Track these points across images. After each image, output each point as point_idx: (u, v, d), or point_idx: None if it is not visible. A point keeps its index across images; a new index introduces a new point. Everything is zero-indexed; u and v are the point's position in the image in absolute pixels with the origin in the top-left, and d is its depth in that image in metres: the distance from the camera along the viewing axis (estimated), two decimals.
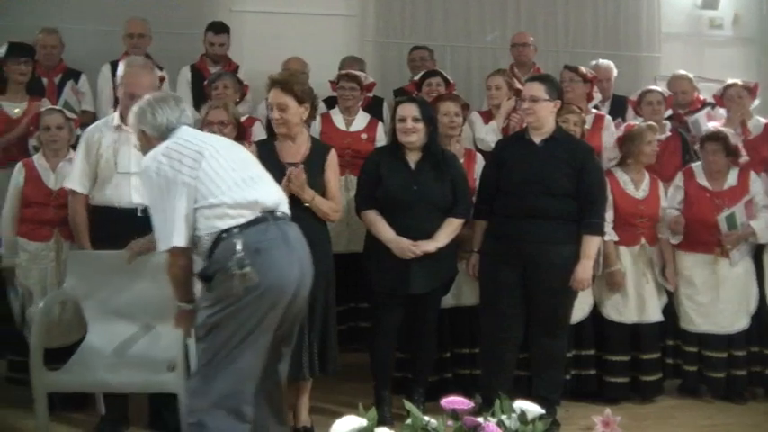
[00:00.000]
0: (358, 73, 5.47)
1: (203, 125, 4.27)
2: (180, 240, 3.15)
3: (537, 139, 4.25)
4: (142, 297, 4.01)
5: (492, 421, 2.31)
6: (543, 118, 4.21)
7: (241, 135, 4.43)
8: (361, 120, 5.36)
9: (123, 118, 4.10)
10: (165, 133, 3.31)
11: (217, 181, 3.17)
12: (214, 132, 4.12)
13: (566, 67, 5.35)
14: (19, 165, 4.58)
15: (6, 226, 4.54)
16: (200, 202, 3.15)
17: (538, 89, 4.20)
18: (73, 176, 4.18)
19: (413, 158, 4.31)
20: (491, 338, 4.28)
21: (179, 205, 3.13)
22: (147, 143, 3.35)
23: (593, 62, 6.10)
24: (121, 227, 4.06)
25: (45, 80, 5.69)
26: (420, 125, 4.25)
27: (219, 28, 6.05)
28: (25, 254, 4.48)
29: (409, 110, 4.27)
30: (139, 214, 4.03)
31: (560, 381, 4.38)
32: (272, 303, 3.15)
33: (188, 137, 3.28)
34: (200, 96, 5.49)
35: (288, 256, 3.21)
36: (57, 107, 4.83)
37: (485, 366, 4.38)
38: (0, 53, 5.04)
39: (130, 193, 4.09)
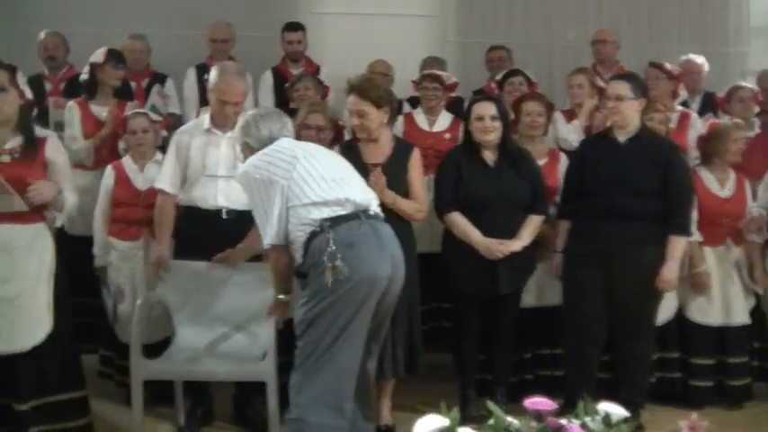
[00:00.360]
0: (441, 73, 5.46)
1: (300, 128, 4.32)
2: (274, 239, 3.35)
3: (621, 138, 4.19)
4: (232, 305, 4.10)
5: (575, 423, 2.29)
6: (628, 117, 4.15)
7: (339, 137, 4.49)
8: (443, 119, 5.35)
9: (214, 121, 4.20)
10: (267, 144, 3.52)
11: (309, 182, 3.32)
12: (311, 136, 4.24)
13: (650, 64, 5.25)
14: (109, 167, 4.72)
15: (98, 226, 4.68)
16: (293, 201, 3.30)
17: (623, 87, 4.14)
18: (163, 177, 4.25)
19: (490, 157, 4.31)
20: (574, 339, 4.24)
21: (274, 206, 3.32)
22: (250, 154, 3.55)
23: (684, 57, 5.95)
24: (206, 228, 4.14)
25: (133, 84, 5.86)
26: (497, 123, 4.25)
27: (294, 26, 6.15)
28: (116, 253, 4.62)
29: (487, 108, 4.26)
30: (224, 216, 4.13)
31: (645, 383, 4.31)
32: (364, 297, 3.25)
33: (287, 144, 3.50)
34: (282, 99, 5.58)
35: (379, 251, 3.30)
36: (143, 111, 4.97)
37: (568, 367, 4.34)
38: (95, 59, 5.18)
39: (216, 196, 4.16)
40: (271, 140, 3.53)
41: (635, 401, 4.12)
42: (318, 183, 3.33)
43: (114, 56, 5.23)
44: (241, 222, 4.06)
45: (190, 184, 4.21)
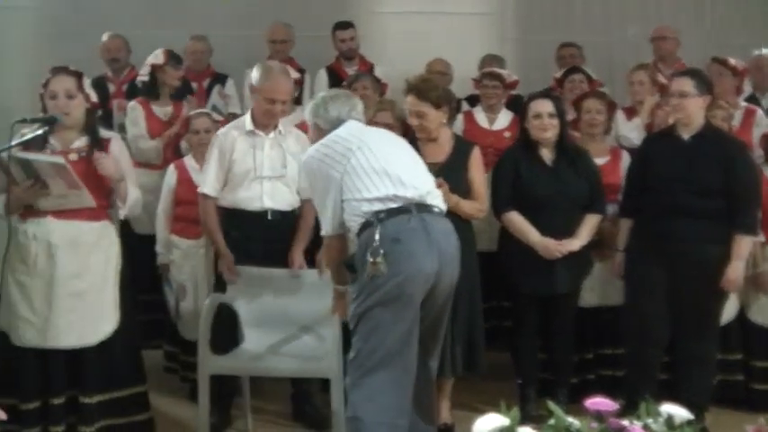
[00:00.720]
0: (501, 71, 5.44)
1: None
2: (328, 229, 3.41)
3: (685, 136, 4.12)
4: (299, 308, 4.09)
5: (637, 425, 2.27)
6: (692, 114, 4.08)
7: (407, 135, 4.50)
8: (504, 118, 5.33)
9: (256, 122, 4.20)
10: (336, 126, 3.49)
11: (362, 176, 3.28)
12: None
13: (713, 60, 5.16)
14: (171, 166, 4.81)
15: (161, 225, 4.77)
16: (346, 194, 3.30)
17: (687, 84, 4.07)
18: (207, 180, 4.19)
19: (548, 155, 4.28)
20: (635, 339, 4.18)
21: (329, 197, 3.34)
22: (319, 135, 3.53)
23: (757, 52, 5.80)
24: (251, 229, 4.13)
25: (194, 84, 5.95)
26: (555, 121, 4.22)
27: (344, 24, 6.19)
28: (178, 251, 4.71)
29: (544, 105, 4.24)
30: (269, 217, 4.15)
31: (708, 385, 4.21)
32: (410, 293, 3.20)
33: (345, 133, 3.44)
34: None
35: (427, 246, 3.23)
36: (205, 110, 5.04)
37: (628, 368, 4.29)
38: (155, 60, 5.27)
39: (262, 197, 4.15)
40: (339, 122, 3.49)
41: (698, 404, 4.03)
42: (371, 177, 3.28)
43: (173, 57, 5.33)
44: (285, 222, 4.12)
45: (234, 187, 4.17)
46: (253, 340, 4.10)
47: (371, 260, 3.16)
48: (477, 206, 4.15)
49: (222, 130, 4.30)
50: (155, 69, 5.30)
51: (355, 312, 3.27)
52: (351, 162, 3.31)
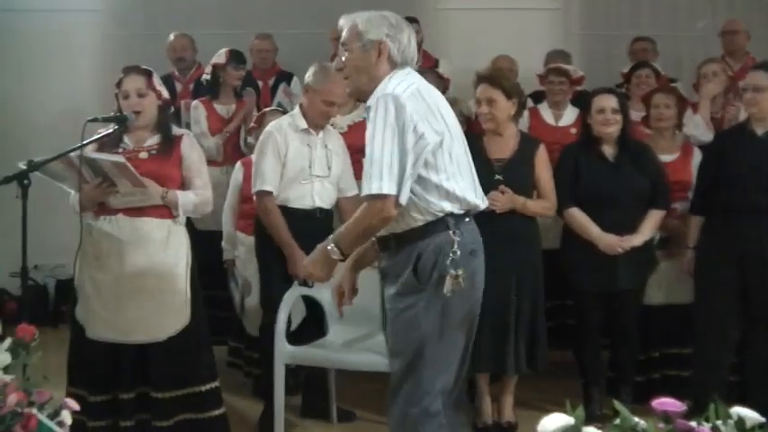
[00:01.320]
0: (567, 66, 5.38)
1: None
2: (392, 188, 2.62)
3: (759, 131, 4.03)
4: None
5: (706, 426, 2.23)
6: (766, 108, 3.99)
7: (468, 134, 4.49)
8: (570, 114, 5.25)
9: (309, 121, 4.20)
10: (405, 62, 2.83)
11: (452, 159, 2.75)
12: None
13: None
14: (238, 163, 4.87)
15: (227, 221, 4.83)
16: (429, 171, 2.70)
17: (762, 78, 3.98)
18: (266, 177, 4.15)
19: (610, 151, 4.25)
20: (705, 338, 4.11)
21: (407, 156, 2.63)
22: (373, 62, 2.79)
23: None
24: (300, 226, 4.13)
25: (260, 83, 6.02)
26: (618, 116, 4.19)
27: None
28: (243, 247, 4.75)
29: (608, 101, 4.20)
30: (318, 215, 4.18)
31: None
32: (471, 307, 2.85)
33: (431, 94, 2.82)
34: None
35: (482, 260, 2.90)
36: (278, 108, 5.10)
37: (696, 368, 4.22)
38: (218, 60, 5.35)
39: (313, 196, 4.19)
40: (410, 61, 2.84)
41: None
42: (459, 166, 2.77)
43: (235, 56, 5.40)
44: (328, 220, 4.17)
45: (286, 185, 4.18)
46: (335, 334, 4.12)
47: (454, 273, 2.68)
48: (546, 205, 4.14)
49: (274, 126, 4.24)
50: (216, 68, 5.39)
51: (404, 314, 2.77)
52: (446, 139, 2.73)
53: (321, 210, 4.21)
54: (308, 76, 4.21)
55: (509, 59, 5.82)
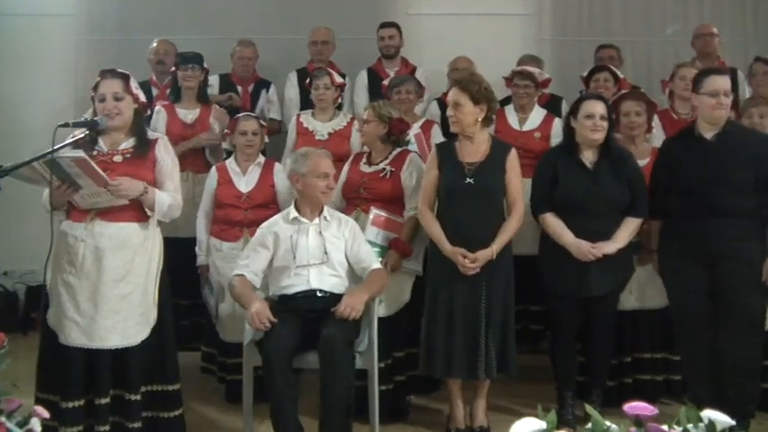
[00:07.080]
0: (533, 69, 5.37)
1: None
2: None
3: (708, 135, 4.07)
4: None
5: (677, 430, 2.25)
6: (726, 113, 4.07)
7: (391, 133, 4.52)
8: (535, 118, 5.25)
9: (299, 210, 4.12)
10: None
11: None
12: None
13: (757, 59, 5.09)
14: (213, 168, 4.85)
15: (201, 227, 4.81)
16: None
17: (729, 83, 4.06)
18: (246, 263, 4.10)
19: (589, 158, 4.24)
20: (687, 343, 4.14)
21: None
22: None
23: None
24: (302, 304, 4.01)
25: (239, 88, 5.99)
26: (606, 123, 4.19)
27: (387, 24, 6.19)
28: (218, 253, 4.72)
29: (598, 107, 4.20)
30: (319, 295, 4.03)
31: (754, 391, 4.11)
32: None
33: None
34: (378, 97, 5.59)
35: None
36: (253, 114, 5.08)
37: (685, 372, 4.26)
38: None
39: (309, 281, 4.02)
40: None
41: (743, 410, 3.95)
42: None
43: (182, 58, 5.38)
44: (335, 301, 3.96)
45: (277, 275, 4.10)
46: None
47: None
48: (515, 220, 4.12)
49: (266, 224, 4.20)
50: (174, 72, 5.39)
51: None
52: None
53: (322, 290, 4.04)
54: (288, 165, 4.18)
55: (467, 60, 5.83)
